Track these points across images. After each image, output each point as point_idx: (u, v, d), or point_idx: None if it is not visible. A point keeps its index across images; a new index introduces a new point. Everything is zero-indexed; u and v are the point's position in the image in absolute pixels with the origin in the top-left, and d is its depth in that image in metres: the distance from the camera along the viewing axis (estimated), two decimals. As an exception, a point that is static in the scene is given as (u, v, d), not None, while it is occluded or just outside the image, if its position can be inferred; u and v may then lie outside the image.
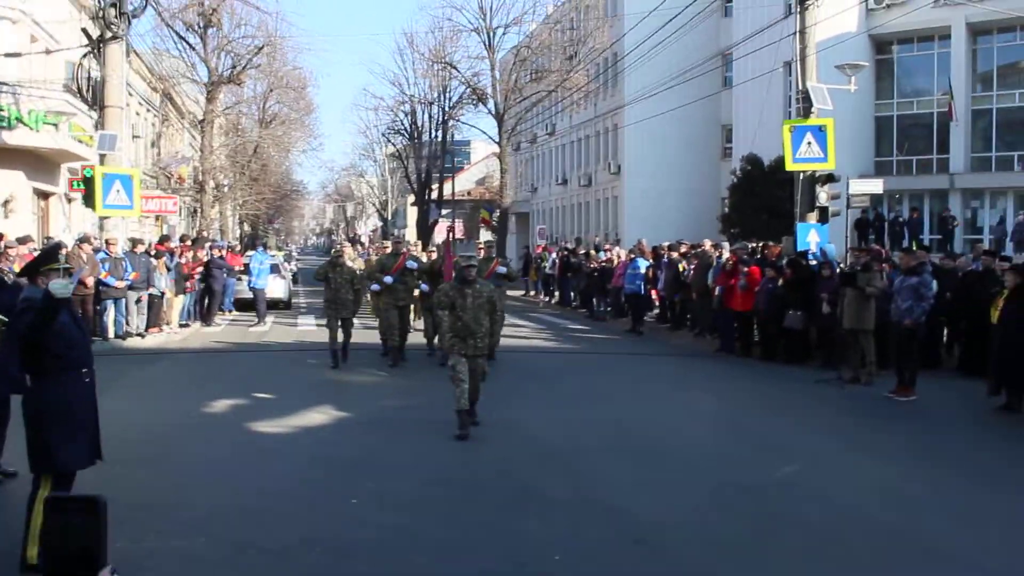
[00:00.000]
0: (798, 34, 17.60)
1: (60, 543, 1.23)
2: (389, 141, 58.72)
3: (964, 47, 33.87)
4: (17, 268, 9.24)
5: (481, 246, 19.64)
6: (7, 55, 19.86)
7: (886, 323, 12.99)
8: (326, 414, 10.69)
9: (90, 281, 16.04)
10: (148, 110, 36.31)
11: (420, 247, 29.00)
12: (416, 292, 15.91)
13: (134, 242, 18.84)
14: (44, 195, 24.13)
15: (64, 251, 6.22)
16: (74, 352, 5.57)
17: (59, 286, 5.19)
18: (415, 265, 15.55)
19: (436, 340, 14.76)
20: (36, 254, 13.43)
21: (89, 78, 19.74)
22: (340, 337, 14.60)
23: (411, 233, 59.07)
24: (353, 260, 22.24)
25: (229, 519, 6.67)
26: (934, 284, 14.61)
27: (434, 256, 18.24)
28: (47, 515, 1.12)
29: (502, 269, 15.71)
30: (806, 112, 17.25)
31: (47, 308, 5.20)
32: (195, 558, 5.88)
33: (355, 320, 15.41)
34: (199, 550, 6.02)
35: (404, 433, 9.89)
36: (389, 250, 16.79)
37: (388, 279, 15.04)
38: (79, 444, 5.56)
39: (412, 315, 16.56)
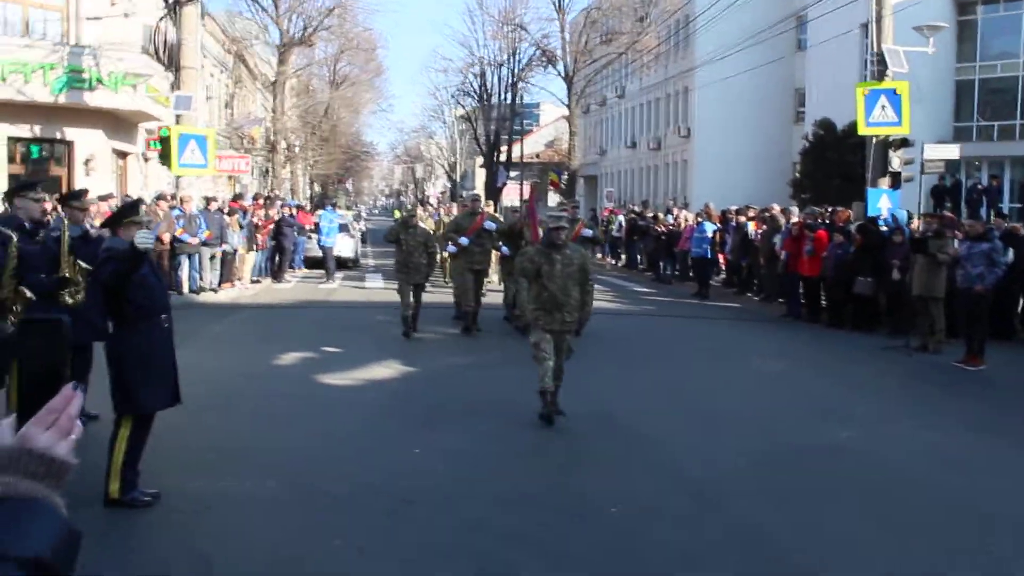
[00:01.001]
0: (874, -6, 17.19)
1: (31, 362, 1.36)
2: (458, 103, 58.83)
3: (1053, 7, 32.68)
4: (98, 223, 9.59)
5: (567, 207, 18.18)
6: (89, 19, 20.33)
7: (955, 291, 12.79)
8: (392, 368, 10.95)
9: (166, 237, 16.52)
10: (221, 71, 36.92)
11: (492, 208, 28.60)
12: (495, 255, 15.23)
13: (208, 200, 19.31)
14: (122, 154, 24.76)
15: (144, 206, 6.48)
16: (153, 300, 5.84)
17: (143, 237, 5.46)
18: (494, 226, 14.41)
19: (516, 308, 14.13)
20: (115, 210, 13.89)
21: (165, 41, 20.18)
22: (411, 305, 13.56)
23: (480, 195, 59.23)
24: (424, 221, 22.15)
25: (297, 464, 6.93)
26: (1010, 252, 14.40)
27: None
28: (22, 337, 1.23)
29: (588, 232, 14.36)
30: (880, 75, 16.90)
31: (130, 258, 5.47)
32: (264, 499, 6.15)
33: (427, 286, 14.52)
34: (268, 492, 6.29)
35: (468, 389, 10.08)
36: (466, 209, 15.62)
37: (464, 240, 13.95)
38: (158, 387, 5.84)
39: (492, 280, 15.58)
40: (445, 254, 16.45)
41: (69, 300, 6.80)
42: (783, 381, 11.22)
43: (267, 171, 41.97)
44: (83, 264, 6.84)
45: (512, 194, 49.32)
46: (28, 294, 6.36)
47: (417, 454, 7.36)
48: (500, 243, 14.44)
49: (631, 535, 5.64)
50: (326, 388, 9.95)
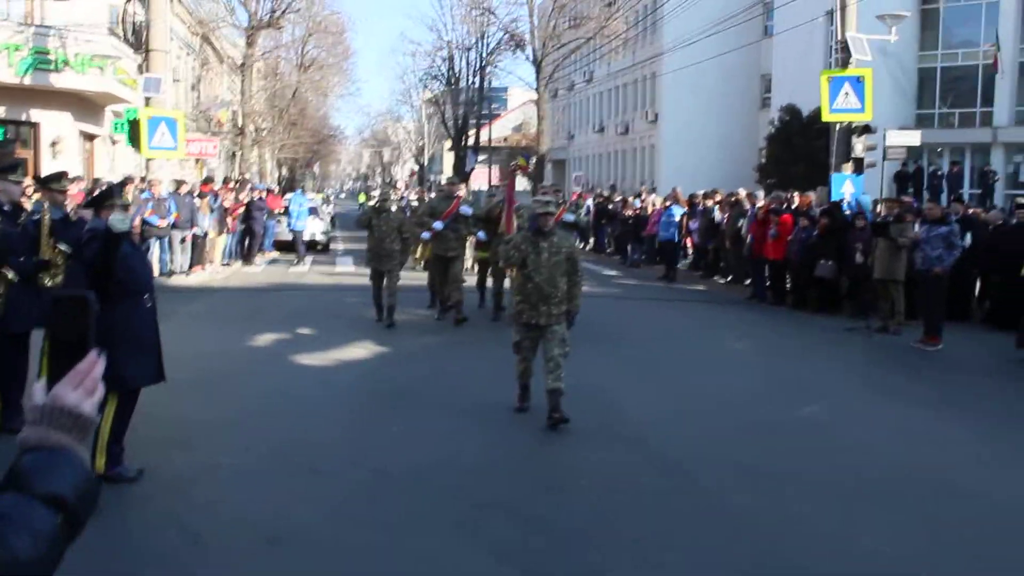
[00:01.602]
0: (839, -17, 17.49)
1: (61, 332, 1.57)
2: (426, 87, 58.80)
3: (1014, -2, 33.25)
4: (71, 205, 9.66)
5: (547, 189, 16.87)
6: (56, -2, 20.18)
7: (915, 274, 13.14)
8: (367, 349, 11.11)
9: (137, 221, 16.50)
10: (188, 54, 36.62)
11: (425, 192, 27.42)
12: (470, 241, 14.81)
13: (178, 183, 19.28)
14: (89, 137, 24.59)
15: (126, 189, 6.59)
16: (137, 280, 5.97)
17: (117, 220, 5.61)
18: (470, 211, 13.80)
19: (488, 295, 14.05)
20: (87, 192, 13.91)
21: (133, 23, 20.06)
22: (384, 294, 13.06)
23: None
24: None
25: (275, 442, 7.10)
26: (968, 235, 14.83)
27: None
28: (53, 311, 1.43)
29: (570, 217, 13.90)
30: (845, 62, 17.21)
31: (108, 239, 5.59)
32: (246, 472, 6.33)
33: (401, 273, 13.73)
34: (250, 466, 6.48)
35: (443, 366, 10.29)
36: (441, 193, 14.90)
37: (438, 225, 13.29)
38: (144, 363, 5.98)
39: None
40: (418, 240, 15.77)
41: (48, 282, 6.90)
42: (748, 360, 11.52)
43: (234, 154, 41.73)
44: (63, 247, 6.94)
45: (480, 178, 49.46)
46: (10, 275, 6.45)
47: (395, 432, 7.55)
48: (476, 229, 13.99)
49: (603, 504, 5.88)
50: (302, 368, 10.11)
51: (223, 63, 42.55)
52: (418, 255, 16.62)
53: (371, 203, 17.82)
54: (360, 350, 11.09)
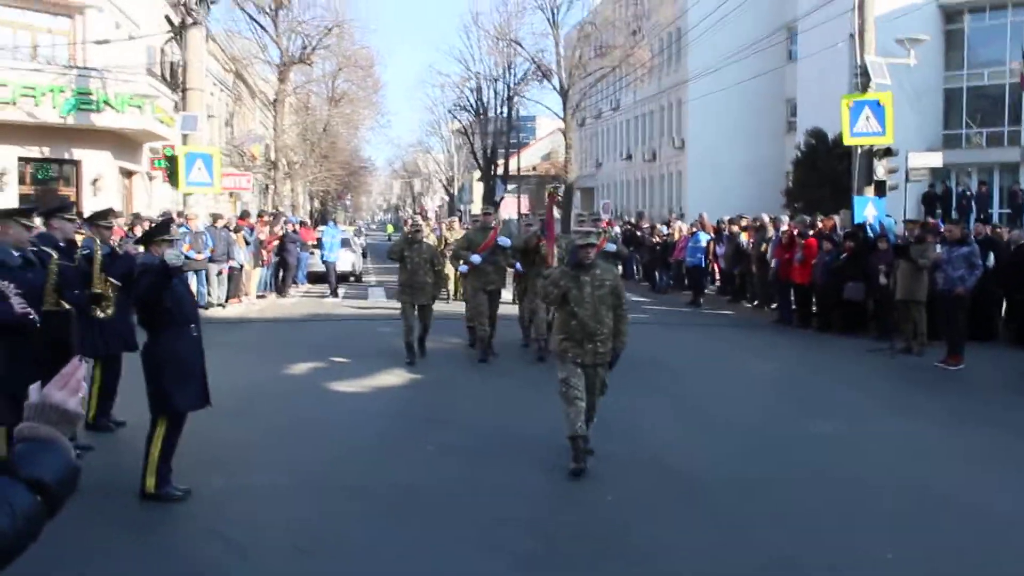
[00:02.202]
0: (856, 9, 17.81)
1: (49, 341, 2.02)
2: (455, 117, 59.52)
3: (1038, 15, 33.32)
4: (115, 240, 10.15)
5: (585, 219, 15.63)
6: (97, 42, 20.94)
7: (936, 294, 13.32)
8: (399, 376, 11.47)
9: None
10: (221, 90, 37.54)
11: (456, 223, 26.67)
12: (509, 273, 14.23)
13: (215, 217, 19.86)
14: (128, 173, 25.35)
15: (174, 225, 7.04)
16: (183, 310, 6.40)
17: (172, 256, 6.04)
18: (508, 242, 13.19)
19: (533, 330, 13.22)
20: (127, 228, 14.45)
21: (171, 63, 20.74)
22: (417, 328, 12.64)
23: (477, 209, 59.90)
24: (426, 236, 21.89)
25: (311, 463, 7.47)
26: (991, 255, 14.98)
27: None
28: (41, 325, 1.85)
29: (611, 247, 13.16)
30: (864, 87, 17.48)
31: (162, 272, 6.02)
32: (284, 492, 6.70)
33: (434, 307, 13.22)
34: (286, 484, 6.86)
35: (470, 393, 10.63)
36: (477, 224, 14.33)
37: (476, 258, 12.74)
38: (190, 390, 6.39)
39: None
40: (456, 272, 15.09)
41: (100, 314, 7.35)
42: (773, 381, 11.77)
43: (267, 188, 42.54)
44: (113, 280, 7.39)
45: (510, 207, 49.94)
46: (67, 307, 6.90)
47: (426, 453, 7.89)
48: (514, 260, 13.45)
49: (620, 521, 6.17)
50: (335, 395, 10.49)
51: (255, 98, 43.52)
52: (455, 290, 16.20)
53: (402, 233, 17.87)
54: (392, 377, 11.46)
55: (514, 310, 14.71)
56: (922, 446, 8.32)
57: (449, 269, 17.42)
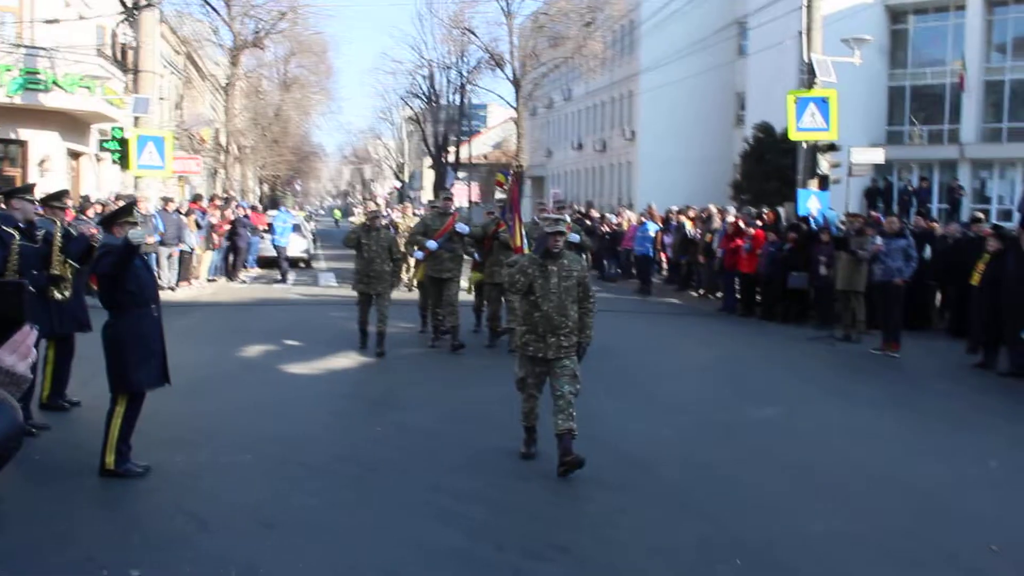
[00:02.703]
0: (804, 7, 18.26)
1: (3, 310, 2.12)
2: (407, 104, 59.34)
3: (980, 18, 34.17)
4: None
5: (544, 207, 15.11)
6: (46, 21, 20.67)
7: (874, 284, 13.79)
8: (352, 359, 11.63)
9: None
10: (171, 72, 37.10)
11: (408, 209, 26.22)
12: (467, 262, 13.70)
13: (166, 200, 19.77)
14: (76, 155, 25.05)
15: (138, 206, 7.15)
16: (144, 291, 6.52)
17: (136, 234, 6.16)
18: (467, 229, 12.77)
19: (485, 318, 13.20)
20: (76, 209, 14.36)
21: (122, 44, 20.53)
22: (372, 318, 12.13)
23: (428, 196, 59.87)
24: (406, 218, 20.77)
25: (269, 442, 7.63)
26: (927, 248, 15.52)
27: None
28: None
29: (575, 237, 12.23)
30: (810, 83, 17.93)
31: (125, 252, 6.14)
32: (243, 469, 6.86)
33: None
34: (246, 462, 7.02)
35: (423, 374, 10.83)
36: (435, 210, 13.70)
37: (432, 244, 12.35)
38: (151, 368, 6.52)
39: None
40: (412, 259, 14.52)
41: (59, 296, 7.42)
42: (718, 367, 12.13)
43: (215, 172, 42.16)
44: (72, 262, 7.46)
45: (461, 195, 50.04)
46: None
47: (379, 431, 8.10)
48: (472, 248, 13.08)
49: (570, 495, 6.44)
50: (290, 376, 10.63)
51: (206, 81, 43.03)
52: (413, 276, 15.36)
53: (357, 219, 17.52)
54: (344, 360, 11.62)
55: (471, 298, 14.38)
56: (858, 428, 8.71)
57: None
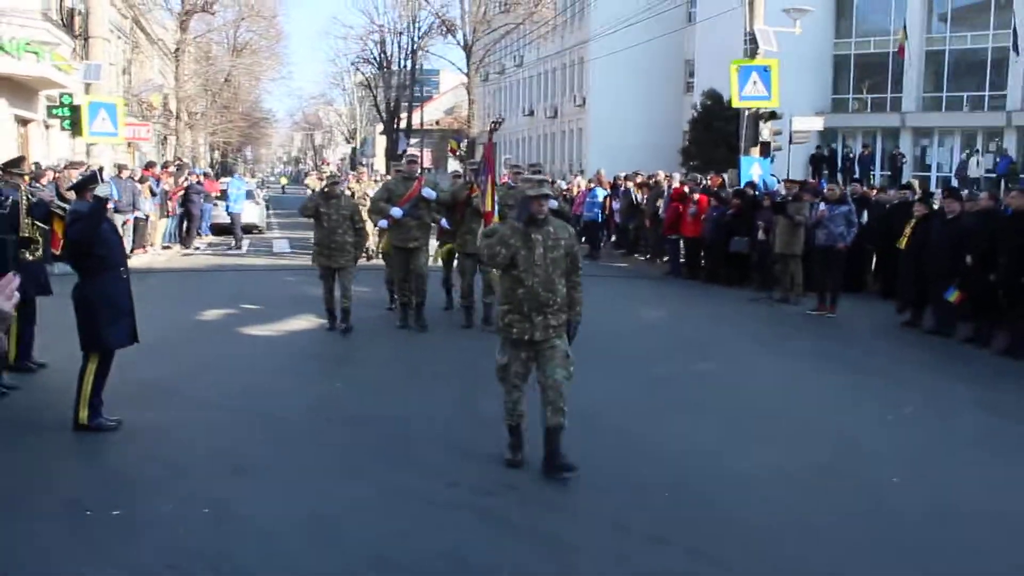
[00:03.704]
0: (748, -22, 18.77)
1: None
2: (358, 70, 59.17)
3: (921, -12, 35.00)
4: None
5: (519, 168, 13.32)
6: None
7: (813, 248, 14.40)
8: (309, 321, 11.99)
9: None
10: (119, 37, 36.65)
11: (365, 175, 24.20)
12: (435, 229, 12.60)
13: (120, 167, 19.82)
14: (24, 121, 24.83)
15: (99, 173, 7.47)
16: (113, 254, 6.88)
17: (103, 189, 6.54)
18: (434, 195, 11.53)
19: (457, 293, 12.27)
20: (30, 176, 14.45)
21: (70, 9, 20.40)
22: (336, 293, 11.30)
23: (380, 162, 59.87)
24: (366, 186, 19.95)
25: (237, 398, 8.05)
26: (864, 213, 16.18)
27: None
28: None
29: (552, 203, 11.66)
30: (753, 53, 18.49)
31: (95, 210, 6.49)
32: (213, 422, 7.27)
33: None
34: (215, 415, 7.45)
35: (382, 334, 11.25)
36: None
37: (397, 211, 11.24)
38: (121, 327, 6.88)
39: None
40: (375, 227, 13.35)
41: (30, 257, 7.72)
42: (661, 326, 12.72)
43: (165, 139, 41.84)
44: (40, 224, 7.76)
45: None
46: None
47: (338, 387, 8.54)
48: (440, 215, 11.95)
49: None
50: (250, 338, 11.01)
51: (154, 45, 42.54)
52: (378, 246, 14.37)
53: (312, 183, 17.28)
54: (303, 322, 11.99)
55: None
56: (791, 380, 9.35)
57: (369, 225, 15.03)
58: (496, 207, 10.27)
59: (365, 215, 13.18)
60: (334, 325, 11.28)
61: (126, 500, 5.54)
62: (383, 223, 11.66)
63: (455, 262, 12.39)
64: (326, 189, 11.63)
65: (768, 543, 5.18)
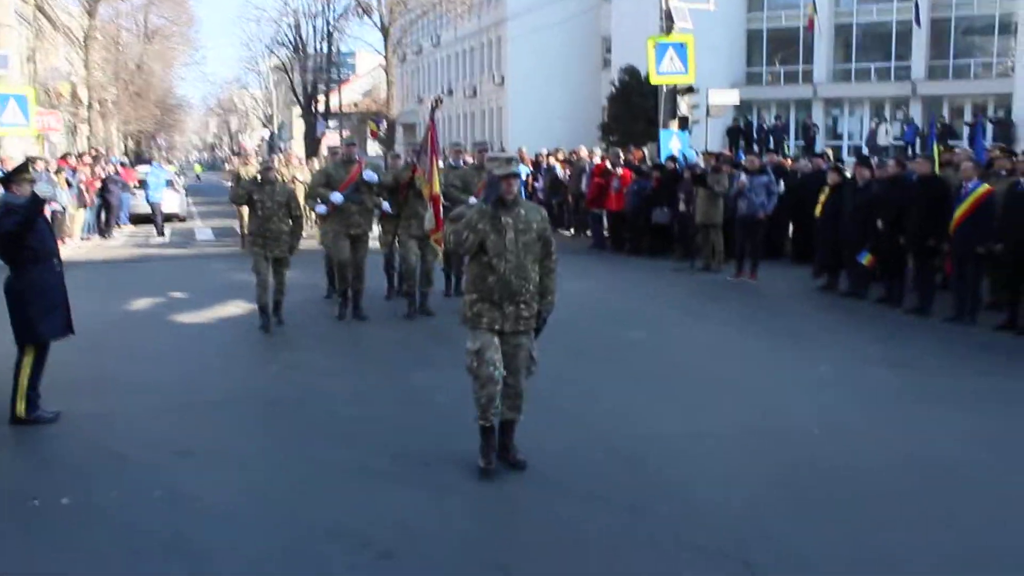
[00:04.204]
0: (661, -45, 19.11)
1: None
2: (273, 53, 58.28)
3: (829, -38, 35.89)
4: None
5: (483, 147, 12.80)
6: None
7: (733, 218, 14.84)
8: (240, 307, 11.96)
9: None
10: (20, 23, 35.55)
11: (295, 159, 24.08)
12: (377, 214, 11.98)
13: (33, 159, 19.34)
14: (-72, 114, 24.08)
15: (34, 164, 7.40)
16: (46, 246, 6.85)
17: (43, 189, 6.49)
18: (376, 178, 11.09)
19: (401, 280, 11.81)
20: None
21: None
22: (271, 287, 10.55)
23: (298, 146, 59.18)
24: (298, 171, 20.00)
25: (173, 385, 8.10)
26: (781, 183, 16.70)
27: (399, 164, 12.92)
28: None
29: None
30: (668, 29, 18.87)
31: (32, 209, 6.47)
32: (152, 411, 7.31)
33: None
34: (153, 404, 7.48)
35: (315, 318, 11.32)
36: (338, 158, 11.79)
37: (337, 197, 10.68)
38: (56, 319, 6.87)
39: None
40: (313, 213, 12.57)
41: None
42: (587, 297, 12.98)
43: (76, 128, 40.77)
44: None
45: (332, 144, 49.76)
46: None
47: (274, 370, 8.65)
48: (381, 199, 11.50)
49: (452, 415, 7.12)
50: (181, 326, 11.00)
51: (58, 32, 41.33)
52: (318, 238, 13.04)
53: (242, 170, 16.34)
54: (234, 308, 11.97)
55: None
56: (713, 344, 9.74)
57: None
58: (442, 188, 10.07)
59: (302, 201, 12.63)
60: (268, 325, 10.43)
61: (73, 489, 5.58)
62: (321, 208, 11.01)
63: (398, 246, 11.80)
64: (259, 175, 11.02)
65: (699, 497, 5.48)
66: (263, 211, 10.44)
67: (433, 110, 10.60)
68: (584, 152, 20.51)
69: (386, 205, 11.57)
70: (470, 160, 13.46)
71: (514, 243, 5.73)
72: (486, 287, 5.77)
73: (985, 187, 10.49)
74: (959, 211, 10.52)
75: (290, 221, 10.58)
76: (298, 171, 20.71)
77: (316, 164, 21.77)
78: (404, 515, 5.19)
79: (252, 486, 5.65)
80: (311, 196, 11.37)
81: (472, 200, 10.30)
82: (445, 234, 6.16)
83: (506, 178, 5.73)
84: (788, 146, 34.21)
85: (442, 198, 9.97)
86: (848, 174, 13.67)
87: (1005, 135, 28.38)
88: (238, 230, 19.34)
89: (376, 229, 12.23)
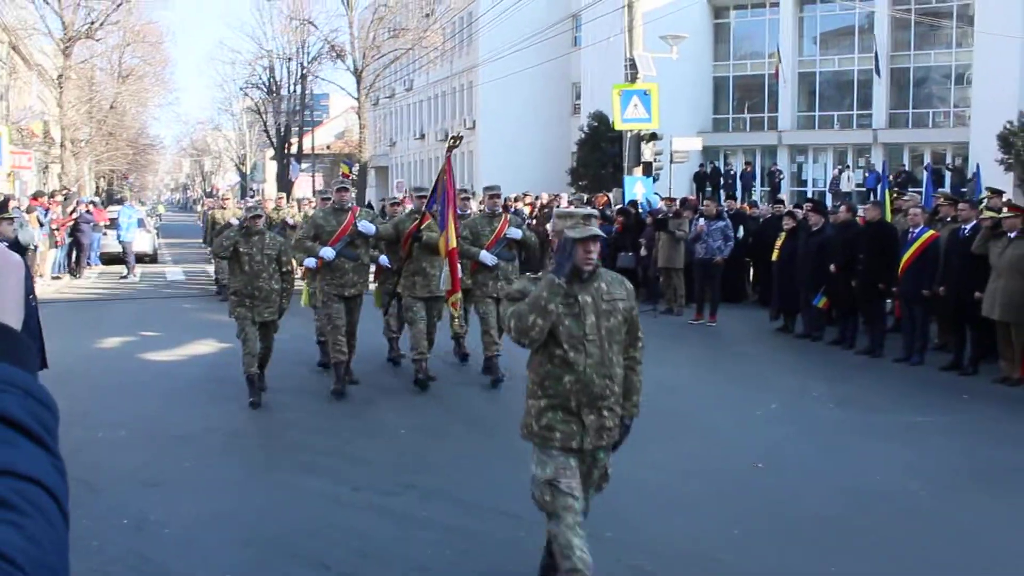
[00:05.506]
0: (626, 7, 19.72)
1: None
2: (247, 95, 58.63)
3: (792, 14, 36.93)
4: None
5: (494, 191, 10.59)
6: None
7: (693, 262, 15.27)
8: (211, 346, 12.21)
9: None
10: (-7, 62, 35.74)
11: (284, 201, 21.77)
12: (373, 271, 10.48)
13: (6, 198, 19.51)
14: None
15: (12, 204, 7.65)
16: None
17: (28, 235, 6.75)
18: (372, 229, 9.41)
19: (408, 341, 9.87)
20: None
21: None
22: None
23: (271, 188, 59.43)
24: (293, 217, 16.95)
25: (140, 419, 8.32)
26: (741, 228, 17.19)
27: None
28: None
29: (515, 233, 9.92)
30: (633, 78, 19.42)
31: (11, 245, 6.69)
32: (122, 441, 7.55)
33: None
34: (121, 438, 7.71)
35: (286, 357, 11.51)
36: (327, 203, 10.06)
37: (328, 252, 9.11)
38: (30, 352, 7.04)
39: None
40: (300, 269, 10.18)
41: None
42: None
43: (46, 167, 40.81)
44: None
45: (305, 187, 50.10)
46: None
47: (237, 406, 8.89)
48: (378, 252, 10.10)
49: (413, 442, 7.42)
50: (152, 363, 11.20)
51: (31, 70, 41.48)
52: (304, 298, 10.96)
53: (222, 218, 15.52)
54: (204, 347, 12.20)
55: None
56: (669, 384, 9.98)
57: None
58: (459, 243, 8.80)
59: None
60: (257, 398, 8.84)
61: (43, 515, 5.77)
62: (310, 262, 9.29)
63: (396, 308, 10.47)
64: (245, 223, 9.10)
65: (644, 524, 5.77)
66: (251, 266, 8.84)
67: (450, 149, 9.09)
68: (545, 198, 20.93)
69: (384, 259, 10.11)
70: (476, 206, 12.33)
71: (595, 329, 4.35)
72: (560, 390, 4.35)
73: (931, 232, 11.00)
74: (906, 255, 11.01)
75: (280, 278, 9.00)
76: (291, 215, 17.71)
77: (297, 208, 19.81)
78: (363, 541, 5.43)
79: (217, 514, 5.88)
80: (299, 250, 9.46)
81: (485, 255, 9.41)
82: (504, 318, 4.49)
83: (584, 241, 4.28)
84: (755, 192, 34.94)
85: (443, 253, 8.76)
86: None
87: (963, 182, 29.18)
88: (212, 274, 18.94)
89: (372, 286, 10.73)
